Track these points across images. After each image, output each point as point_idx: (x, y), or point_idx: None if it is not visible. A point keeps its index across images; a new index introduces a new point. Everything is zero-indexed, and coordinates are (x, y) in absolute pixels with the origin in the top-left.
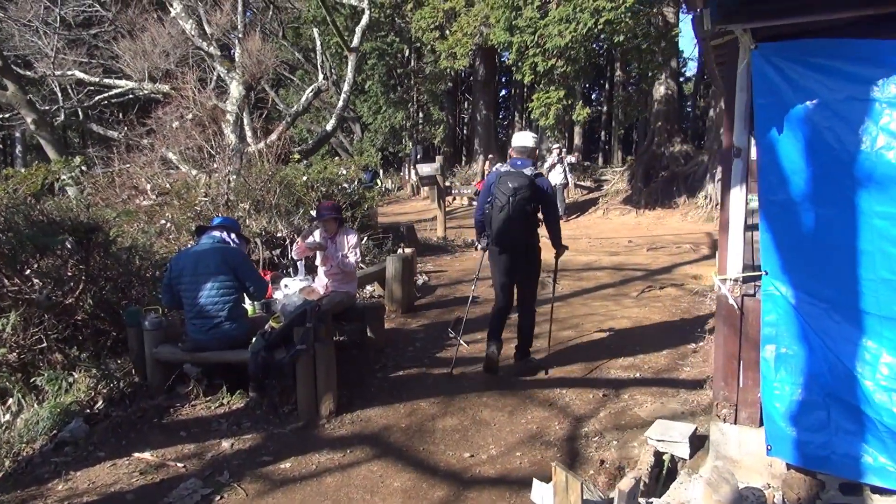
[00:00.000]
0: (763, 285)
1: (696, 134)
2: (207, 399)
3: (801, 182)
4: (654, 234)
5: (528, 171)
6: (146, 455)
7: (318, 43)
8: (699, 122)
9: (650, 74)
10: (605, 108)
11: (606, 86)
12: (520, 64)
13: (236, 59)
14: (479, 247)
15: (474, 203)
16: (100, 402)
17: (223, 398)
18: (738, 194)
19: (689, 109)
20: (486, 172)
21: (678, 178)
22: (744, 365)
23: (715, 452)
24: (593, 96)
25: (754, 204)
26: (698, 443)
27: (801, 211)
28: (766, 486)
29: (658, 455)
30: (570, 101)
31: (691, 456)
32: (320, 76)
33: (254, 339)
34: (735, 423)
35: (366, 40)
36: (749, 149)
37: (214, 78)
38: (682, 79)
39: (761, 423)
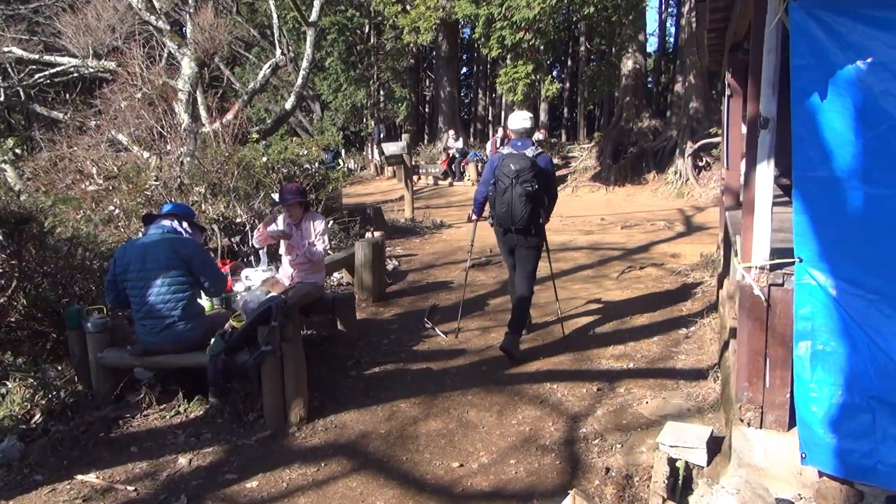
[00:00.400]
0: (797, 274)
1: (658, 110)
2: (161, 407)
3: (848, 157)
4: (626, 211)
5: (529, 151)
6: (91, 477)
7: (275, 17)
8: (661, 98)
9: (614, 50)
10: (566, 85)
11: (569, 62)
12: (483, 39)
13: (188, 35)
14: (472, 217)
15: (440, 183)
16: (37, 416)
17: (179, 406)
18: (765, 171)
19: (650, 86)
20: (447, 148)
21: (647, 154)
22: (770, 363)
23: (738, 460)
24: (554, 73)
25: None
26: (714, 445)
27: (846, 190)
28: (796, 497)
29: (671, 462)
30: (538, 76)
31: (709, 462)
32: (278, 52)
33: (212, 341)
34: (760, 428)
35: (324, 15)
36: (775, 118)
37: (165, 55)
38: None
39: (790, 427)
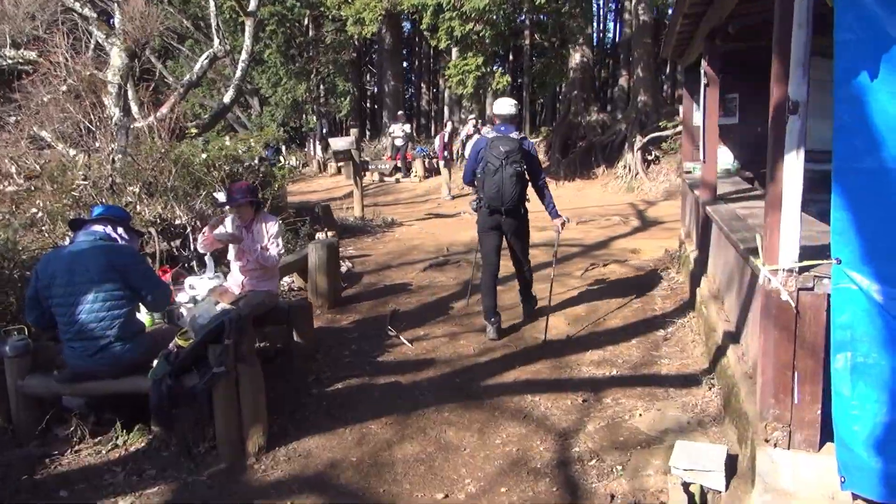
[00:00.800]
0: (834, 277)
1: (602, 104)
2: (96, 441)
3: None
4: (578, 206)
5: (514, 135)
6: None
7: (213, 5)
8: (601, 93)
9: (556, 44)
10: (508, 79)
11: (510, 56)
12: (431, 30)
13: (116, 25)
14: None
15: (386, 179)
16: None
17: (117, 438)
18: (793, 162)
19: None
20: (390, 134)
21: (596, 149)
22: (799, 376)
23: (763, 484)
24: (495, 67)
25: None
26: (730, 464)
27: None
28: None
29: (685, 487)
30: (487, 69)
31: (727, 486)
32: (216, 42)
33: (155, 363)
34: (788, 448)
35: (263, 4)
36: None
37: (92, 45)
38: None
39: (821, 446)
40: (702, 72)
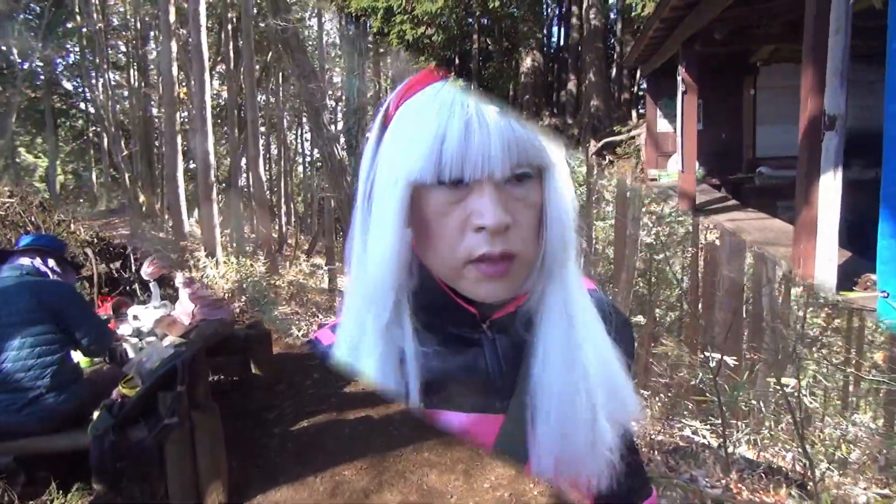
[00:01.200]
0: (880, 311)
1: (551, 109)
2: None
3: None
4: None
5: None
6: None
7: None
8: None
9: (508, 46)
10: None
11: (456, 60)
12: (378, 35)
13: None
14: None
15: None
16: None
17: (53, 500)
18: (830, 183)
19: None
20: None
21: None
22: None
23: None
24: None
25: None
26: None
27: None
28: None
29: None
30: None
31: None
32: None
33: (96, 414)
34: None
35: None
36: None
37: None
38: None
39: None
40: (679, 78)
